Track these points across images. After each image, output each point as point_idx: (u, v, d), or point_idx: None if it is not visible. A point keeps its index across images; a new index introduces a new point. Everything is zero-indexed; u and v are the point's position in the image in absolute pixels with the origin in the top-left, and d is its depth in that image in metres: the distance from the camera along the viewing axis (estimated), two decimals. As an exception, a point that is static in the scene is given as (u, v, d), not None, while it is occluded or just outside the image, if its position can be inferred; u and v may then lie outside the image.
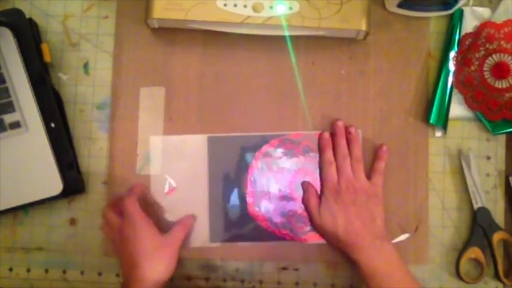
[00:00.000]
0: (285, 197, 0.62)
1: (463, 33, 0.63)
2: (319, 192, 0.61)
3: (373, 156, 0.62)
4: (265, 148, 0.62)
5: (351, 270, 0.62)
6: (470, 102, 0.63)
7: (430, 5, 0.62)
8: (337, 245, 0.58)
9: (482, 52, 0.62)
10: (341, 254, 0.60)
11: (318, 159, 0.62)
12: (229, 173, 0.62)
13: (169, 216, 0.61)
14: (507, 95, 0.61)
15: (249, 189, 0.62)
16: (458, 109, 0.63)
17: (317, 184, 0.61)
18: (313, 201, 0.60)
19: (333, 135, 0.61)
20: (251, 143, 0.62)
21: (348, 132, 0.61)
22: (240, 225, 0.61)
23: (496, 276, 0.61)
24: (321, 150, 0.61)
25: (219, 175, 0.62)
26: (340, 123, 0.61)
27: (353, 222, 0.57)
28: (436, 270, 0.62)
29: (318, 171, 0.62)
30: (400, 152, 0.63)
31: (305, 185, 0.61)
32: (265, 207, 0.62)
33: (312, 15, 0.58)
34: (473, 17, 0.63)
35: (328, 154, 0.60)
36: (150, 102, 0.63)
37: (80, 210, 0.62)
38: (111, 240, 0.58)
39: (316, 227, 0.60)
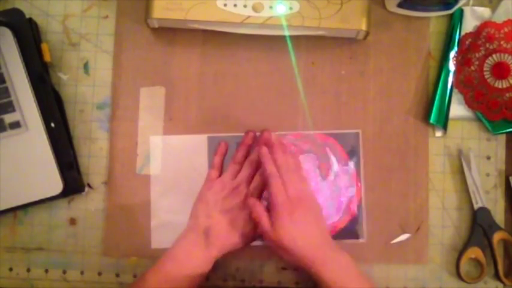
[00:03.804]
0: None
1: (463, 33, 0.63)
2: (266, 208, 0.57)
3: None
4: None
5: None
6: (470, 102, 0.63)
7: (430, 5, 0.62)
8: (294, 261, 0.55)
9: (482, 52, 0.62)
10: (297, 269, 0.59)
11: (318, 159, 0.62)
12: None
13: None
14: (507, 95, 0.61)
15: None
16: (458, 109, 0.63)
17: (319, 188, 0.62)
18: (264, 220, 0.55)
19: (269, 147, 0.58)
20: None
21: (269, 141, 0.59)
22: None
23: (496, 276, 0.61)
24: (263, 165, 0.57)
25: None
26: (266, 135, 0.59)
27: (307, 236, 0.54)
28: (436, 270, 0.62)
29: (318, 171, 0.62)
30: (400, 152, 0.63)
31: (251, 203, 0.56)
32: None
33: (312, 15, 0.58)
34: (473, 17, 0.63)
35: (272, 167, 0.56)
36: (150, 102, 0.63)
37: (80, 210, 0.62)
38: (210, 189, 0.58)
39: (272, 244, 0.55)
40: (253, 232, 0.58)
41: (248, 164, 0.60)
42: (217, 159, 0.61)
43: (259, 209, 0.56)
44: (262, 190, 0.59)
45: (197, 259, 0.55)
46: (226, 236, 0.56)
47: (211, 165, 0.61)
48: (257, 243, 0.61)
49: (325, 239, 0.55)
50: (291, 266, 0.59)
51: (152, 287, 0.53)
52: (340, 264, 0.54)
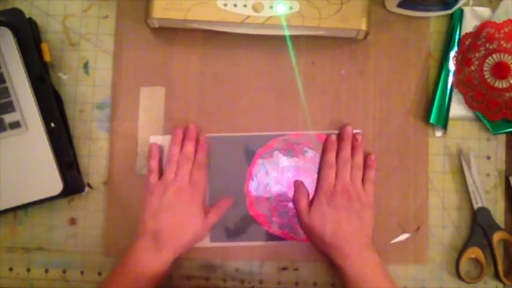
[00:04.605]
0: (285, 197, 0.62)
1: (463, 33, 0.63)
2: (310, 193, 0.60)
3: (364, 165, 0.61)
4: (266, 148, 0.62)
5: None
6: (470, 102, 0.63)
7: (430, 5, 0.62)
8: (323, 248, 0.57)
9: (482, 52, 0.62)
10: (324, 257, 0.59)
11: (318, 159, 0.62)
12: (230, 173, 0.62)
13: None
14: (507, 94, 0.61)
15: (249, 189, 0.62)
16: (458, 109, 0.63)
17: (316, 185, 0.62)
18: (303, 201, 0.59)
19: (339, 139, 0.61)
20: (251, 143, 0.62)
21: (354, 139, 0.60)
22: (240, 225, 0.61)
23: (496, 276, 0.61)
24: (323, 151, 0.61)
25: (219, 175, 0.62)
26: (349, 129, 0.61)
27: (343, 228, 0.56)
28: (436, 270, 0.62)
29: (316, 170, 0.62)
30: (400, 152, 0.63)
31: (297, 184, 0.61)
32: (265, 207, 0.62)
33: (312, 15, 0.58)
34: (473, 16, 0.63)
35: (331, 156, 0.60)
36: (150, 102, 0.63)
37: (80, 210, 0.62)
38: (152, 185, 0.58)
39: (304, 227, 0.59)
40: (203, 228, 0.58)
41: (184, 160, 0.59)
42: (153, 163, 0.60)
43: (301, 191, 0.59)
44: (204, 183, 0.59)
45: (151, 265, 0.54)
46: (176, 237, 0.56)
47: (148, 170, 0.60)
48: (257, 243, 0.61)
49: (362, 238, 0.56)
50: (320, 253, 0.60)
51: None
52: (368, 262, 0.55)
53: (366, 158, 0.61)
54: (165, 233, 0.56)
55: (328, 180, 0.59)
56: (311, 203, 0.59)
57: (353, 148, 0.60)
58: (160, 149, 0.61)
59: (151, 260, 0.55)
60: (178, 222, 0.56)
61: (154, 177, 0.59)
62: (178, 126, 0.61)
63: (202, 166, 0.59)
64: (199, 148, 0.60)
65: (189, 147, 0.60)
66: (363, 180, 0.59)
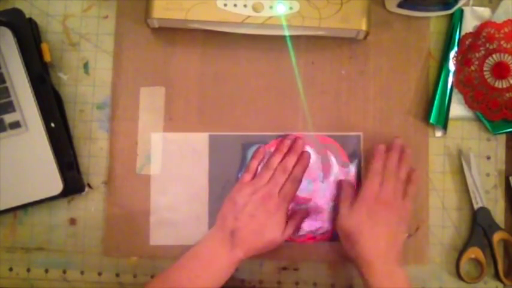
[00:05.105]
0: (285, 197, 0.62)
1: (463, 33, 0.63)
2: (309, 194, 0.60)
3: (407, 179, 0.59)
4: (266, 148, 0.62)
5: (350, 270, 0.62)
6: (470, 102, 0.63)
7: (430, 5, 0.62)
8: (352, 255, 0.56)
9: (482, 52, 0.62)
10: (343, 257, 0.59)
11: (317, 159, 0.62)
12: (230, 172, 0.62)
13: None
14: (507, 95, 0.61)
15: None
16: (458, 109, 0.63)
17: (318, 189, 0.62)
18: (347, 202, 0.58)
19: (388, 149, 0.59)
20: (251, 143, 0.62)
21: (402, 151, 0.59)
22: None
23: (496, 276, 0.61)
24: (372, 159, 0.59)
25: (220, 173, 0.62)
26: (398, 141, 0.60)
27: (378, 244, 0.54)
28: (436, 270, 0.62)
29: (317, 171, 0.62)
30: (400, 152, 0.63)
31: (345, 185, 0.60)
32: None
33: (312, 15, 0.58)
34: (473, 17, 0.63)
35: (379, 165, 0.58)
36: (150, 102, 0.63)
37: (80, 210, 0.62)
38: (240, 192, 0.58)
39: (339, 229, 0.58)
40: (280, 238, 0.58)
41: (281, 170, 0.59)
42: (253, 163, 0.61)
43: (347, 193, 0.59)
44: (293, 197, 0.59)
45: (222, 259, 0.55)
46: (252, 240, 0.56)
47: (245, 169, 0.61)
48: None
49: (392, 252, 0.55)
50: (347, 258, 0.58)
51: (174, 283, 0.53)
52: (396, 280, 0.53)
53: (410, 172, 0.59)
54: (242, 233, 0.56)
55: (373, 189, 0.57)
56: (351, 207, 0.57)
57: (400, 160, 0.59)
58: (265, 154, 0.62)
59: (224, 254, 0.55)
60: (258, 227, 0.56)
61: (247, 176, 0.60)
62: (289, 136, 0.62)
63: (296, 181, 0.59)
64: (299, 162, 0.60)
65: (290, 161, 0.60)
66: (403, 195, 0.58)
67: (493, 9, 0.63)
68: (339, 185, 0.62)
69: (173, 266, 0.55)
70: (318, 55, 0.63)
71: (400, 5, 0.62)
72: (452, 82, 0.63)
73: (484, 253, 0.61)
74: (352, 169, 0.62)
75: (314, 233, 0.62)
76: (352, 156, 0.63)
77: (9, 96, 0.58)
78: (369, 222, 0.55)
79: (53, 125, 0.59)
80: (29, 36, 0.60)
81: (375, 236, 0.55)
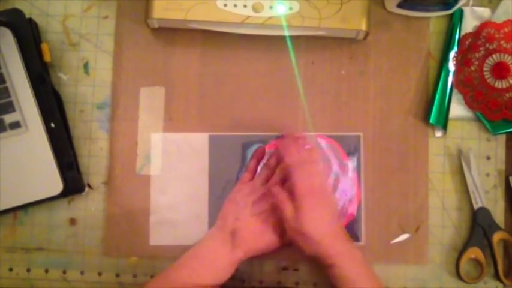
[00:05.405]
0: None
1: (463, 33, 0.63)
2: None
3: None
4: (266, 148, 0.62)
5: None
6: (470, 102, 0.63)
7: (430, 5, 0.62)
8: (311, 249, 0.54)
9: (482, 52, 0.62)
10: (308, 259, 0.57)
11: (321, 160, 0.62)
12: (230, 172, 0.62)
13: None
14: (507, 95, 0.61)
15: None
16: (458, 109, 0.63)
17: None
18: (288, 206, 0.54)
19: (284, 142, 0.58)
20: (251, 143, 0.62)
21: (297, 137, 0.59)
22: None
23: (496, 276, 0.61)
24: (286, 154, 0.56)
25: (220, 173, 0.62)
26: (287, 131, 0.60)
27: (329, 226, 0.54)
28: (436, 270, 0.62)
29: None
30: (400, 152, 0.63)
31: (275, 190, 0.56)
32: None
33: (312, 15, 0.58)
34: (473, 17, 0.63)
35: (297, 157, 0.55)
36: (150, 102, 0.63)
37: (80, 210, 0.62)
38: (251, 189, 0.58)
39: (291, 231, 0.55)
40: (281, 239, 0.57)
41: (280, 170, 0.59)
42: (252, 163, 0.61)
43: (283, 195, 0.55)
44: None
45: (222, 259, 0.55)
46: (253, 240, 0.56)
47: (245, 169, 0.61)
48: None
49: (342, 232, 0.56)
50: (307, 257, 0.56)
51: (174, 283, 0.53)
52: (355, 258, 0.54)
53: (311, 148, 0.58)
54: (243, 233, 0.56)
55: (305, 180, 0.54)
56: (294, 207, 0.54)
57: (301, 144, 0.58)
58: (264, 154, 0.61)
59: (225, 253, 0.55)
60: (258, 227, 0.56)
61: (246, 177, 0.60)
62: (289, 135, 0.60)
63: None
64: None
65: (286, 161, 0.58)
66: (320, 171, 0.58)
67: (493, 9, 0.63)
68: (271, 192, 0.57)
69: (173, 265, 0.55)
70: (317, 55, 0.64)
71: (399, 5, 0.62)
72: (452, 82, 0.63)
73: (484, 253, 0.61)
74: (352, 168, 0.62)
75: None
76: (351, 156, 0.63)
77: (9, 96, 0.58)
78: (312, 211, 0.53)
79: (53, 125, 0.59)
80: (29, 36, 0.60)
81: (322, 221, 0.54)
